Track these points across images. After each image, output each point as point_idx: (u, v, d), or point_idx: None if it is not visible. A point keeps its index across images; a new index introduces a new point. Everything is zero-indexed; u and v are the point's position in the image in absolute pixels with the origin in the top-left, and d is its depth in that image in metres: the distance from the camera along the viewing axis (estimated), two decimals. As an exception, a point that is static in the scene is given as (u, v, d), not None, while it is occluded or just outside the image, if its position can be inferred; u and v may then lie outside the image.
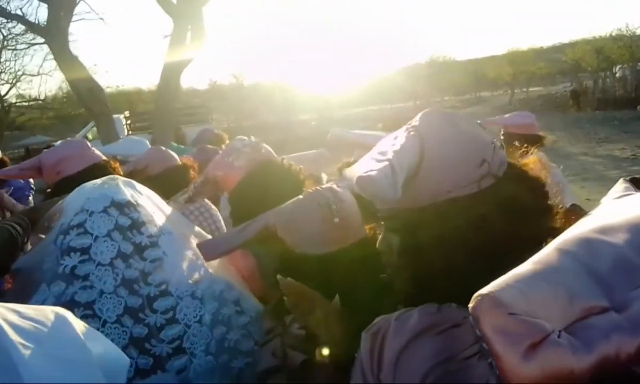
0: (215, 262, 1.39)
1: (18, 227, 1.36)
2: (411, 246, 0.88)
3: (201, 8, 9.32)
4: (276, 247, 1.22)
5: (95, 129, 14.94)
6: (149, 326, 1.19)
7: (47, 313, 0.68)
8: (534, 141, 2.67)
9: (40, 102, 30.43)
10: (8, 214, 2.41)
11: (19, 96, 29.91)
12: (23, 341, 0.60)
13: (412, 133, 0.89)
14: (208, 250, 1.28)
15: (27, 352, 0.60)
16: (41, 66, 27.90)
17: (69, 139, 2.41)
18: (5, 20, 15.30)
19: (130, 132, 14.18)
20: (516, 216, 0.83)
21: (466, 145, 0.86)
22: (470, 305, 0.59)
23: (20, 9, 9.48)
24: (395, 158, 0.85)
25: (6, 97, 28.86)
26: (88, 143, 2.13)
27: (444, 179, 0.85)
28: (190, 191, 1.84)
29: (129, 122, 15.82)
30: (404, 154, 0.86)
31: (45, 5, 8.87)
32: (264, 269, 1.39)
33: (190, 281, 1.29)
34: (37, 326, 0.64)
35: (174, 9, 9.22)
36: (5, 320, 0.61)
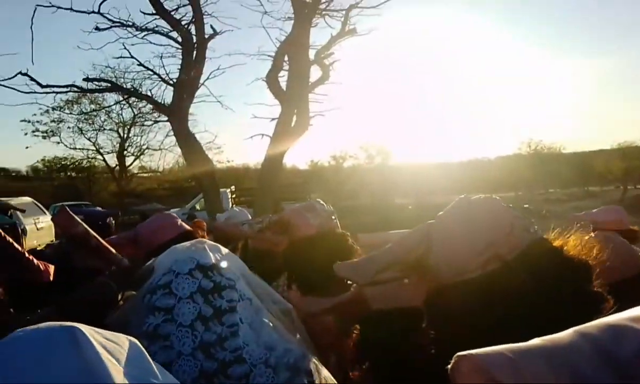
0: (288, 329, 1.41)
1: (114, 285, 1.44)
2: (430, 327, 0.91)
3: (307, 95, 9.98)
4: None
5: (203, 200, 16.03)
6: None
7: (122, 338, 0.73)
8: (626, 237, 2.44)
9: (158, 174, 33.50)
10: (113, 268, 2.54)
11: (141, 167, 33.27)
12: (110, 358, 0.66)
13: (428, 222, 0.96)
14: (305, 307, 1.40)
15: (114, 368, 0.65)
16: (162, 142, 30.81)
17: (159, 213, 2.59)
18: (137, 100, 17.44)
19: (234, 206, 14.94)
20: (526, 302, 0.79)
21: (473, 230, 0.88)
22: (449, 366, 0.54)
23: (150, 90, 10.72)
24: (386, 249, 0.98)
25: (130, 168, 32.21)
26: (175, 215, 2.32)
27: (450, 263, 0.87)
28: (263, 221, 1.95)
29: (234, 196, 16.67)
30: (398, 244, 0.98)
31: (172, 89, 10.01)
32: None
33: (265, 348, 1.27)
34: (117, 348, 0.70)
35: (282, 95, 9.92)
36: (93, 337, 0.68)
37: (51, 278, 1.82)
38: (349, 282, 1.41)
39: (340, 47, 10.85)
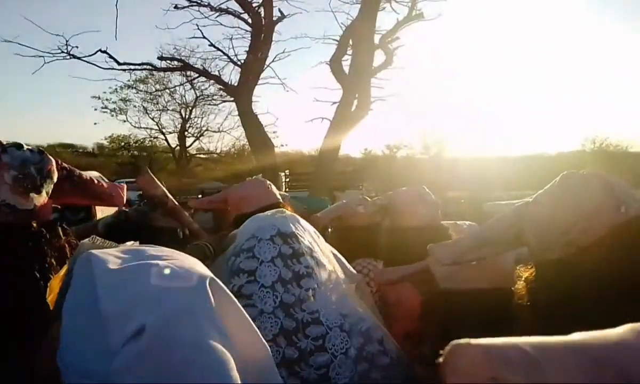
0: (360, 300, 1.47)
1: (211, 248, 1.54)
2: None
3: (369, 79, 9.94)
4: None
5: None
6: (300, 349, 1.25)
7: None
8: None
9: (215, 156, 34.35)
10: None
11: (199, 148, 34.21)
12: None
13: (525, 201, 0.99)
14: (383, 276, 1.48)
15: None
16: (221, 124, 31.51)
17: (251, 178, 2.59)
18: (200, 82, 17.96)
19: (287, 190, 15.15)
20: (600, 291, 0.81)
21: (562, 207, 0.89)
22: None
23: (219, 71, 11.03)
24: (480, 229, 1.06)
25: (189, 148, 33.18)
26: (268, 183, 2.28)
27: (538, 240, 0.91)
28: (374, 204, 1.96)
29: (287, 180, 16.87)
30: (493, 225, 1.04)
31: (239, 70, 10.24)
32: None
33: (339, 314, 1.34)
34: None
35: (345, 79, 9.94)
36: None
37: (124, 201, 1.83)
38: None
39: (405, 33, 10.80)
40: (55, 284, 0.87)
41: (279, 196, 2.22)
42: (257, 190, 2.22)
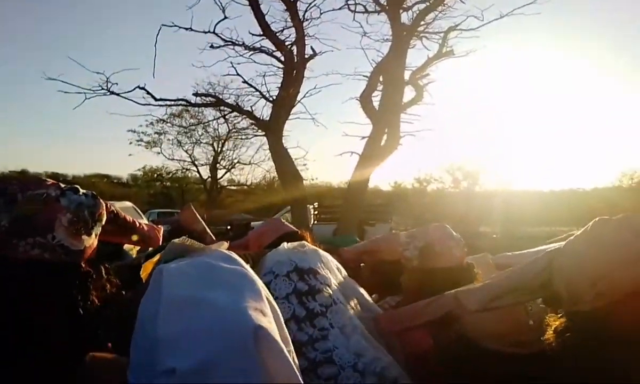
0: (378, 337, 1.44)
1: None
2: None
3: (399, 115, 10.08)
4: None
5: (287, 215, 16.49)
6: None
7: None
8: None
9: (245, 187, 34.84)
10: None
11: (230, 180, 34.82)
12: None
13: (555, 247, 0.95)
14: (390, 323, 1.41)
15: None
16: (252, 157, 32.11)
17: (267, 219, 2.71)
18: (233, 116, 18.49)
19: (315, 222, 15.16)
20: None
21: (593, 257, 0.85)
22: None
23: (251, 106, 11.29)
24: (506, 275, 1.02)
25: (220, 180, 33.82)
26: (283, 220, 2.40)
27: (568, 290, 0.88)
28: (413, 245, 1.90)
29: (316, 212, 16.93)
30: (522, 271, 0.99)
31: (271, 105, 10.54)
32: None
33: (354, 354, 1.32)
34: None
35: (375, 114, 10.09)
36: None
37: (160, 242, 1.86)
38: None
39: (436, 68, 10.92)
40: (149, 266, 1.07)
41: (293, 228, 2.24)
42: (272, 225, 2.26)
